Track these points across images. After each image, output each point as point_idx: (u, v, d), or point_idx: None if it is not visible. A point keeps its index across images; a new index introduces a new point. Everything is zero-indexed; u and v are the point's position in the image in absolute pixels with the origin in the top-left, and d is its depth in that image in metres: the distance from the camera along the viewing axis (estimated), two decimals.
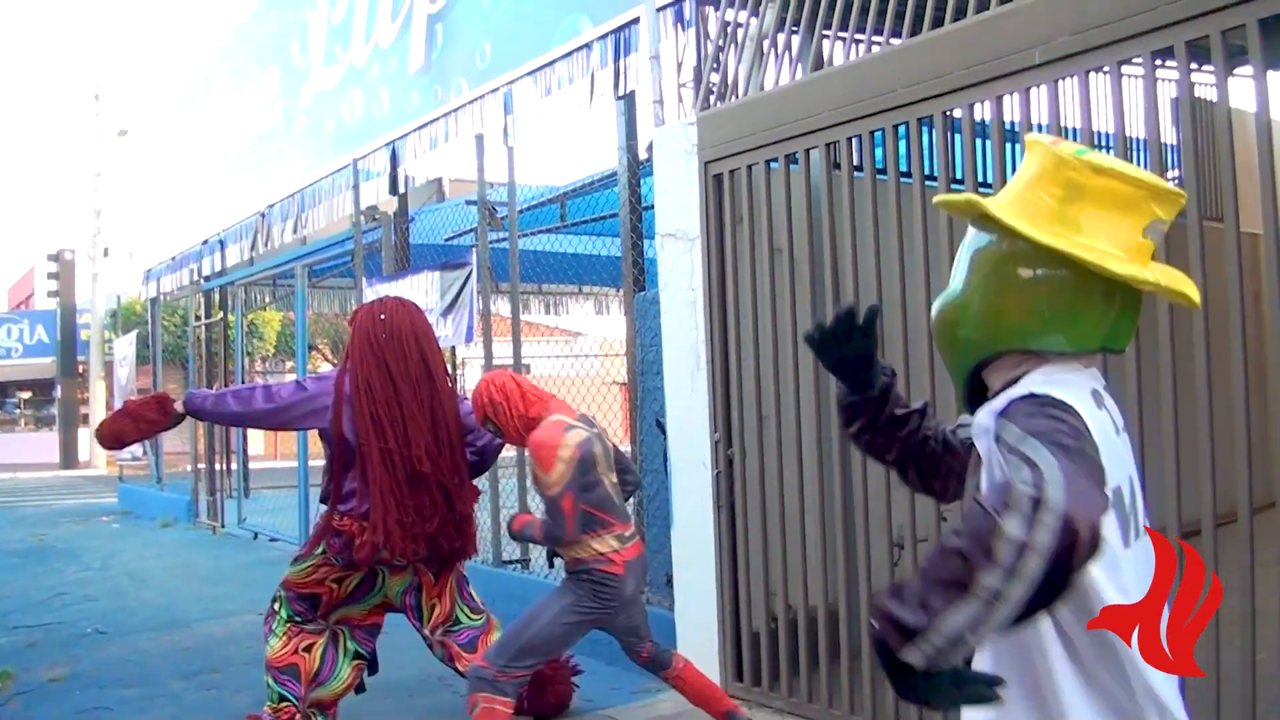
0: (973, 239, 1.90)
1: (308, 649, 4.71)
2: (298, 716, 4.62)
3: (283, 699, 4.62)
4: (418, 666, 6.01)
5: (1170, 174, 7.13)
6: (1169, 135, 5.54)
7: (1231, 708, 3.33)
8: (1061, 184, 1.77)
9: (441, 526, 4.55)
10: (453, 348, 10.30)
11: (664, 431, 5.51)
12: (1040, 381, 1.76)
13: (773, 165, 4.91)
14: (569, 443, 3.94)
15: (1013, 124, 4.08)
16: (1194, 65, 3.57)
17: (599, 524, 4.02)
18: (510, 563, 7.19)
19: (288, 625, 4.73)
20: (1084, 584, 1.61)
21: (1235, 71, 4.23)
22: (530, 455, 4.01)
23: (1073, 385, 1.75)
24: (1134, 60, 3.63)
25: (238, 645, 6.74)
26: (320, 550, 4.66)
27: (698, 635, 5.24)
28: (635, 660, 4.39)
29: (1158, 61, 3.64)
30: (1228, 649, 3.26)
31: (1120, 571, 1.72)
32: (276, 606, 4.79)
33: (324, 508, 4.71)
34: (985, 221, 1.82)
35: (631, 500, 4.67)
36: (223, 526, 12.80)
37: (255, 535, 11.89)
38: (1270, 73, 3.43)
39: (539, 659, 4.04)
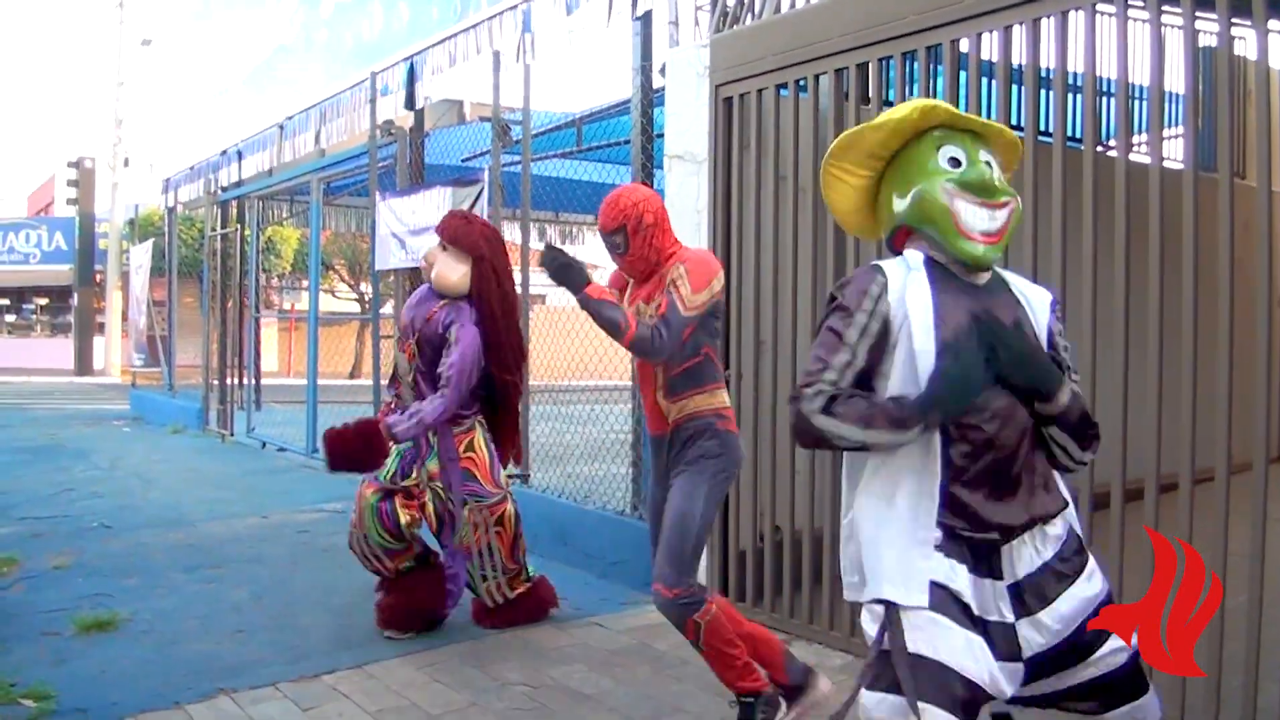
0: None
1: None
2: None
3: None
4: None
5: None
6: (1177, 83, 5.54)
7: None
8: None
9: None
10: None
11: None
12: None
13: (783, 92, 4.94)
14: (721, 280, 3.58)
15: (1019, 66, 4.09)
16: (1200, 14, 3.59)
17: (721, 377, 3.67)
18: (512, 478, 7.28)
19: None
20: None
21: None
22: (683, 270, 3.51)
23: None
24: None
25: (239, 544, 6.88)
26: None
27: None
28: None
29: (1164, 7, 3.66)
30: None
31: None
32: None
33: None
34: None
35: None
36: (231, 435, 12.96)
37: (263, 445, 12.05)
38: None
39: (701, 550, 3.62)
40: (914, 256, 2.41)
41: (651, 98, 6.24)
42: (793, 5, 5.04)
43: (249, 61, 13.51)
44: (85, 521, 7.64)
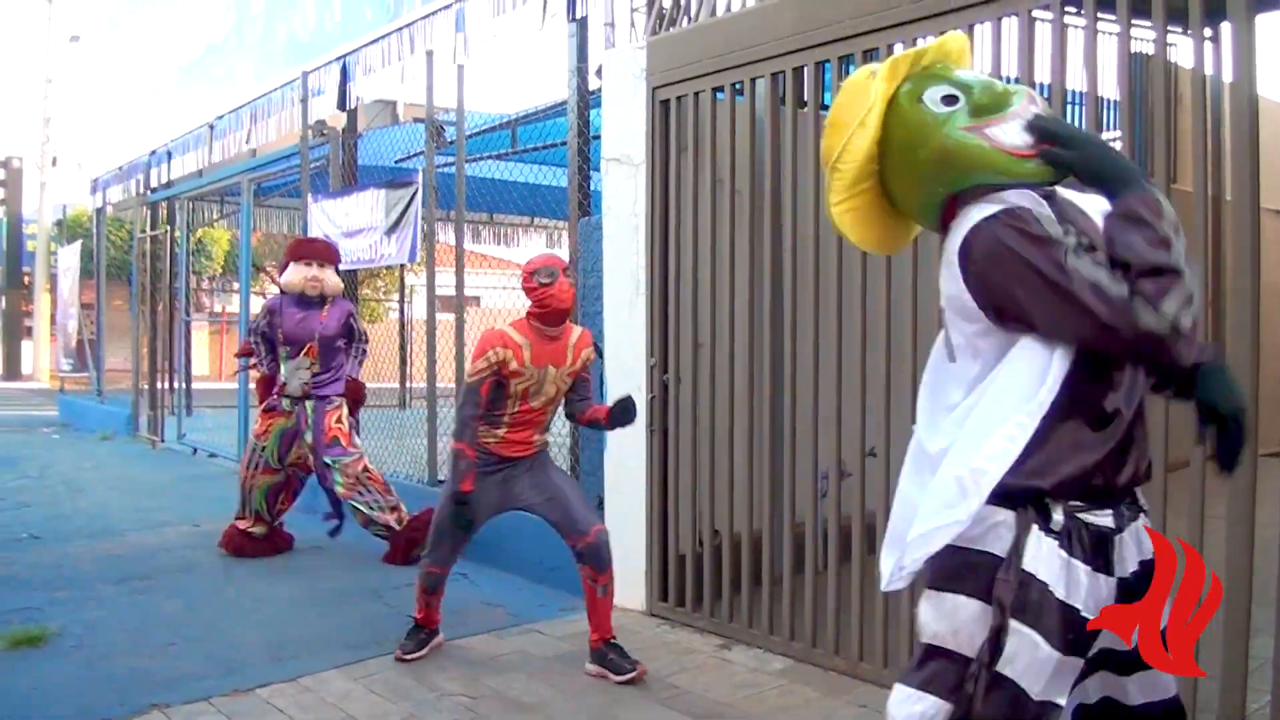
0: None
1: None
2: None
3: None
4: (351, 578, 6.09)
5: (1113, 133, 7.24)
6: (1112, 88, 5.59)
7: None
8: None
9: None
10: (401, 275, 10.09)
11: (601, 355, 5.55)
12: None
13: (719, 95, 4.92)
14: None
15: None
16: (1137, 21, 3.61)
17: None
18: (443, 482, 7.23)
19: None
20: None
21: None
22: (592, 352, 4.63)
23: None
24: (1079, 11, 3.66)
25: (170, 554, 6.75)
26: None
27: (627, 556, 5.31)
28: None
29: (1100, 14, 3.68)
30: None
31: None
32: None
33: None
34: None
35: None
36: (162, 441, 12.72)
37: (194, 450, 11.85)
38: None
39: None
40: (1011, 195, 1.95)
41: (587, 100, 6.20)
42: (728, 9, 5.02)
43: (180, 59, 13.27)
44: (14, 532, 7.46)
